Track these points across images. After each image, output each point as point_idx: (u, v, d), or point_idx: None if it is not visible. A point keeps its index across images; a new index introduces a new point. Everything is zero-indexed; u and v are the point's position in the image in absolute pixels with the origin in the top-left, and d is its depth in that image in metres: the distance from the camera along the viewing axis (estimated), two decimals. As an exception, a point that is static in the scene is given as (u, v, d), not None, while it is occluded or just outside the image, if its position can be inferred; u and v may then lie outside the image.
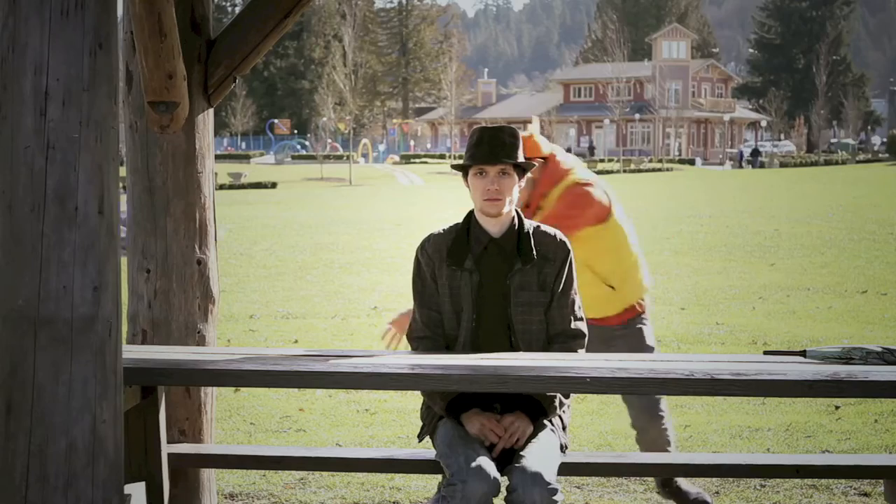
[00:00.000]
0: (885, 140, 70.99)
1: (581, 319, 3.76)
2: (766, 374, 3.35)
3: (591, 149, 68.66)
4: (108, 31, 2.72)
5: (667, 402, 4.66)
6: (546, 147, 4.51)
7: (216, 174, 4.48)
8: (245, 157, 65.72)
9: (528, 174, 3.78)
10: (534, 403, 3.60)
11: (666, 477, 4.48)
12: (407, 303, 3.90)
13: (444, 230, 3.77)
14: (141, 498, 3.55)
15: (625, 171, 53.18)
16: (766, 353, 3.80)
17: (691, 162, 65.21)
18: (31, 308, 2.66)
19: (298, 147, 71.33)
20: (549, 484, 3.40)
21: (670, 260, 14.09)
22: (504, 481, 3.44)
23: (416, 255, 3.77)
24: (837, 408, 6.43)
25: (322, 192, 38.59)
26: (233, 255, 15.76)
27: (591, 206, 4.46)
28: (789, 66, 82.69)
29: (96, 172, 2.70)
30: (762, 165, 59.40)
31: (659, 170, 55.42)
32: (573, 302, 3.75)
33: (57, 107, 2.65)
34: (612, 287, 4.51)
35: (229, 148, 74.45)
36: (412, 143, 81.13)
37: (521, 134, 3.77)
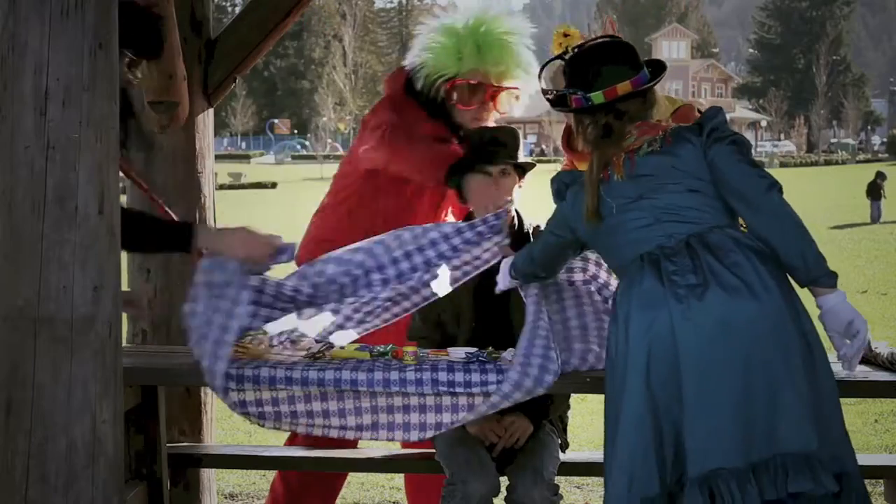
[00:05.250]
0: (885, 140, 71.02)
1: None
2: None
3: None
4: (108, 31, 2.73)
5: None
6: None
7: (216, 174, 4.48)
8: (245, 157, 65.63)
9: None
10: (534, 403, 3.60)
11: None
12: (407, 303, 3.89)
13: (444, 230, 3.77)
14: (141, 498, 3.55)
15: (625, 171, 53.01)
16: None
17: (691, 162, 64.93)
18: (31, 308, 2.66)
19: (298, 147, 71.26)
20: (549, 484, 3.41)
21: (670, 260, 14.06)
22: (504, 481, 3.44)
23: (416, 255, 3.77)
24: (837, 408, 6.42)
25: (322, 192, 38.31)
26: (233, 255, 15.71)
27: None
28: (789, 66, 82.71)
29: (96, 172, 2.70)
30: (762, 165, 59.32)
31: (659, 170, 55.16)
32: (573, 302, 3.75)
33: (57, 107, 2.65)
34: None
35: (229, 148, 74.41)
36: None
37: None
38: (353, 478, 5.08)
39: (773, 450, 2.67)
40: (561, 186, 3.10)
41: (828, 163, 58.30)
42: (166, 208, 3.45)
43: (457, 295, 3.66)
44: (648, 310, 2.79)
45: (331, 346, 3.38)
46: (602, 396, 3.05)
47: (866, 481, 4.87)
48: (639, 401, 2.77)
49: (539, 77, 3.43)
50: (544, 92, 3.12)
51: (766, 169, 2.96)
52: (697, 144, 2.91)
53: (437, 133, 3.85)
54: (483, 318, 3.66)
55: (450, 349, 3.45)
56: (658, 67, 3.07)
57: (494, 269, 3.66)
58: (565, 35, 3.10)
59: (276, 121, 76.62)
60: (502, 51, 3.81)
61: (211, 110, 4.14)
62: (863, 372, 3.25)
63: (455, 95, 3.84)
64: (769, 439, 2.68)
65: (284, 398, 3.21)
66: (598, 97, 2.95)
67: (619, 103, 2.96)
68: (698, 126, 2.95)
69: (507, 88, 3.90)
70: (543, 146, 67.58)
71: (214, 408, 4.25)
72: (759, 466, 2.67)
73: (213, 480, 4.23)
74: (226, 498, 4.94)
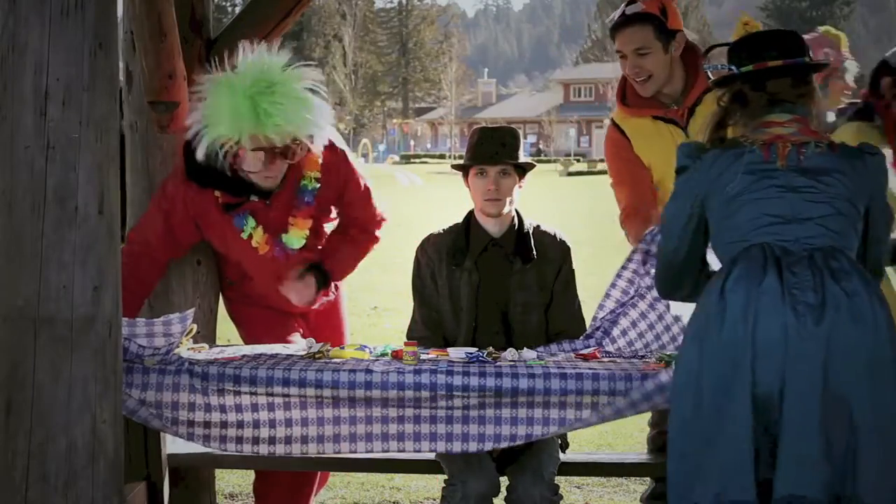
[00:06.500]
0: (885, 140, 71.01)
1: (582, 319, 3.76)
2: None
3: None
4: (108, 31, 2.73)
5: None
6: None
7: (216, 174, 4.46)
8: (245, 157, 65.50)
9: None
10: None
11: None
12: (407, 303, 3.90)
13: (443, 230, 3.78)
14: (141, 498, 3.55)
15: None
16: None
17: (691, 162, 65.04)
18: (31, 308, 2.67)
19: (298, 147, 71.08)
20: (549, 483, 3.40)
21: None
22: (504, 481, 3.44)
23: (416, 255, 3.78)
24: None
25: (322, 192, 38.42)
26: (233, 255, 15.71)
27: None
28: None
29: (96, 172, 2.70)
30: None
31: (659, 169, 55.26)
32: (574, 300, 3.75)
33: (57, 107, 2.66)
34: None
35: (229, 148, 74.27)
36: (412, 143, 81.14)
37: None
38: (353, 478, 5.09)
39: (853, 490, 2.68)
40: (694, 151, 3.02)
41: (828, 163, 58.24)
42: None
43: (457, 295, 3.66)
44: (764, 311, 2.74)
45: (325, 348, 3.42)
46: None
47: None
48: (746, 403, 2.72)
49: (705, 58, 3.46)
50: (707, 71, 3.19)
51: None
52: (866, 178, 2.90)
53: (226, 202, 3.74)
54: (483, 318, 3.67)
55: (450, 349, 3.46)
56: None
57: (491, 271, 3.66)
58: (745, 24, 3.17)
59: (276, 121, 76.42)
60: (294, 115, 3.54)
61: (211, 110, 4.14)
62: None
63: (249, 162, 3.63)
64: (850, 479, 2.69)
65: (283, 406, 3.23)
66: (746, 68, 2.97)
67: (767, 80, 2.95)
68: (870, 167, 2.93)
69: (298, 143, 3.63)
70: (543, 146, 67.63)
71: (214, 408, 4.24)
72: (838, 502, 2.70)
73: (213, 480, 4.23)
74: (226, 498, 4.94)
